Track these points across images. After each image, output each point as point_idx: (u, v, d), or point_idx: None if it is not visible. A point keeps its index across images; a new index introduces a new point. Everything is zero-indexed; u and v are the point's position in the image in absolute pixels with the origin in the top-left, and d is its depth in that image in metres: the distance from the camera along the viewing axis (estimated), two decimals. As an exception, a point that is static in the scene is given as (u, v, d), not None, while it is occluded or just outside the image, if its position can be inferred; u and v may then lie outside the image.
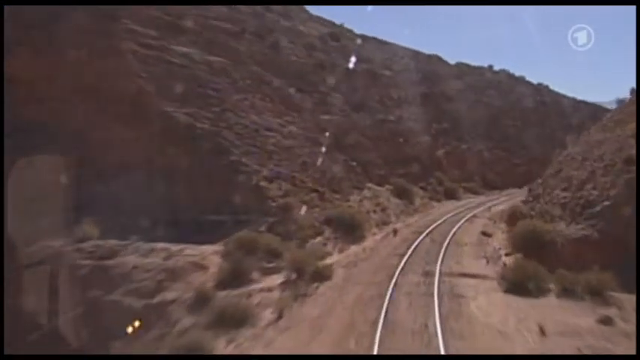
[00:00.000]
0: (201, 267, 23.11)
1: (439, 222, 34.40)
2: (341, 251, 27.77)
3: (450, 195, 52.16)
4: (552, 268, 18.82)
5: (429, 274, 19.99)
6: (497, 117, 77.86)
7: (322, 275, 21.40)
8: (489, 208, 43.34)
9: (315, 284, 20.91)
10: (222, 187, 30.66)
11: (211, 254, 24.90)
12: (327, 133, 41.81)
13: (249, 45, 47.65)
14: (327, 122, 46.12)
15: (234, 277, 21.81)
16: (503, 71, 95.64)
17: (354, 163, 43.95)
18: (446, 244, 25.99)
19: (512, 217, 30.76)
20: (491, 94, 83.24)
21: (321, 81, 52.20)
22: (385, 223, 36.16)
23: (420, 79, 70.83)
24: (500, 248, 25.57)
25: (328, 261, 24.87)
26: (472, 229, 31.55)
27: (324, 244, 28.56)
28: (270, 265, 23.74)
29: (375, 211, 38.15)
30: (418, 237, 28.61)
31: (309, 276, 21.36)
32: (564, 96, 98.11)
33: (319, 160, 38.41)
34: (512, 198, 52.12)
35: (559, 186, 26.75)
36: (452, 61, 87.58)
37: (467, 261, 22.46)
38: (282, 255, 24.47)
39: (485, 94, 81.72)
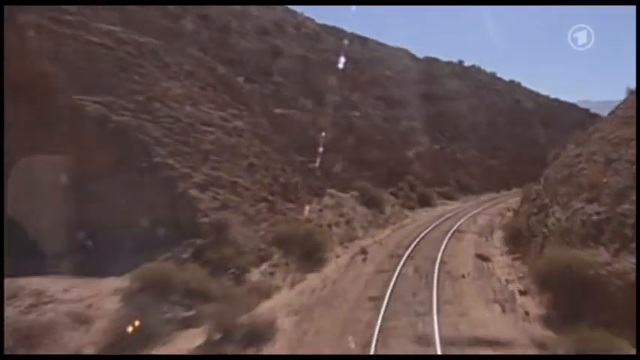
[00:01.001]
0: (84, 320, 15.72)
1: (418, 239, 27.68)
2: (293, 285, 20.73)
3: (424, 201, 45.70)
4: (605, 324, 12.24)
5: (426, 342, 13.05)
6: (469, 115, 72.16)
7: (260, 336, 14.26)
8: (473, 218, 37.01)
9: (250, 350, 13.82)
10: (140, 198, 23.26)
11: (109, 295, 17.61)
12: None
13: (194, 27, 40.30)
14: (281, 117, 39.08)
15: (129, 338, 14.55)
16: (473, 67, 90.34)
17: (314, 165, 36.97)
18: (436, 276, 19.10)
19: (514, 236, 24.33)
20: (464, 91, 77.58)
21: (277, 71, 45.16)
22: (351, 240, 29.32)
23: (390, 73, 64.71)
24: (509, 281, 18.95)
25: (272, 303, 17.86)
26: (462, 249, 24.89)
27: (272, 274, 21.47)
28: (189, 313, 16.56)
29: (338, 224, 31.25)
30: (396, 263, 21.73)
31: (240, 336, 14.23)
32: (538, 94, 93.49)
33: (270, 162, 31.62)
34: (494, 205, 46.15)
35: (578, 195, 20.29)
36: (420, 56, 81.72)
37: (474, 308, 15.55)
38: (208, 295, 17.39)
39: (456, 90, 75.94)
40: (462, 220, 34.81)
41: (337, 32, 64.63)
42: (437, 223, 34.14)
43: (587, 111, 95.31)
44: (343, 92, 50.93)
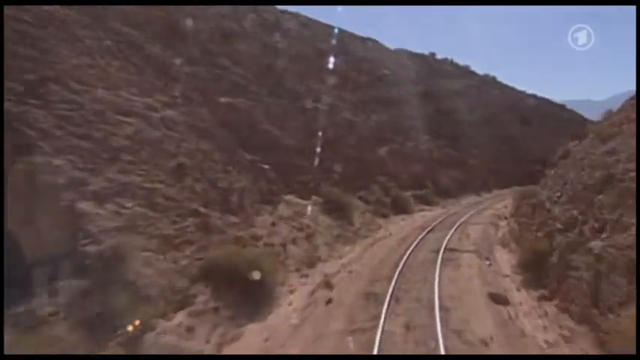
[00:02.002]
0: None
1: (400, 264, 20.84)
2: (221, 347, 13.71)
3: (400, 207, 39.13)
4: None
5: None
6: (444, 110, 66.11)
7: None
8: (462, 229, 30.52)
9: None
10: (13, 213, 15.90)
11: None
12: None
13: None
14: (228, 108, 31.90)
15: None
16: (446, 60, 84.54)
17: (267, 166, 29.95)
18: (442, 344, 12.21)
19: (533, 262, 17.82)
20: (437, 85, 71.55)
21: (228, 54, 37.92)
22: (312, 264, 22.47)
23: (358, 64, 58.04)
24: (552, 344, 12.33)
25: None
26: (465, 284, 18.02)
27: (190, 330, 14.36)
28: None
29: (296, 241, 24.32)
30: (375, 313, 14.76)
31: None
32: (513, 89, 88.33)
33: (208, 162, 24.79)
34: (480, 211, 39.92)
35: (632, 207, 13.88)
36: (391, 47, 75.35)
37: None
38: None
39: (430, 84, 69.79)
40: (450, 233, 28.24)
41: (298, 17, 57.80)
42: (419, 237, 27.50)
43: (563, 107, 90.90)
44: (306, 81, 44.02)
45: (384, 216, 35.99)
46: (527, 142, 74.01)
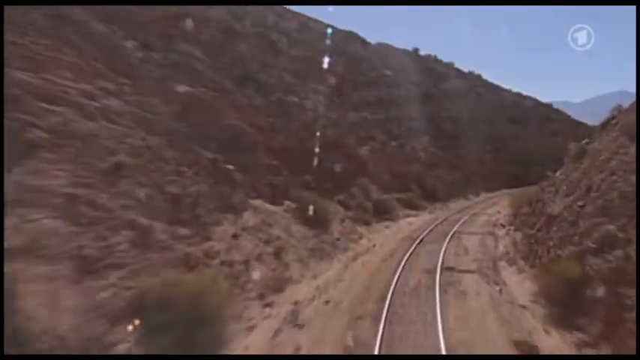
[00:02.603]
0: None
1: (389, 292, 16.76)
2: None
3: (383, 213, 35.19)
4: None
5: None
6: (429, 108, 62.49)
7: None
8: (456, 240, 26.66)
9: None
10: None
11: None
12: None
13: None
14: (185, 98, 27.54)
15: None
16: (429, 56, 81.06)
17: (231, 167, 25.68)
18: None
19: (561, 293, 13.96)
20: (421, 80, 67.94)
21: (188, 39, 33.53)
22: (279, 288, 18.30)
23: (335, 56, 53.96)
24: None
25: None
26: (476, 322, 14.00)
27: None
28: None
29: (261, 258, 20.13)
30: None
31: None
32: (499, 87, 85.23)
33: (157, 162, 20.55)
34: (472, 217, 36.22)
35: None
36: (372, 41, 71.49)
37: None
38: None
39: (415, 81, 66.14)
40: (443, 247, 24.36)
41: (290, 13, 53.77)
42: (408, 251, 23.54)
43: (550, 106, 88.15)
44: (278, 72, 39.87)
45: (366, 223, 31.98)
46: (516, 142, 70.85)
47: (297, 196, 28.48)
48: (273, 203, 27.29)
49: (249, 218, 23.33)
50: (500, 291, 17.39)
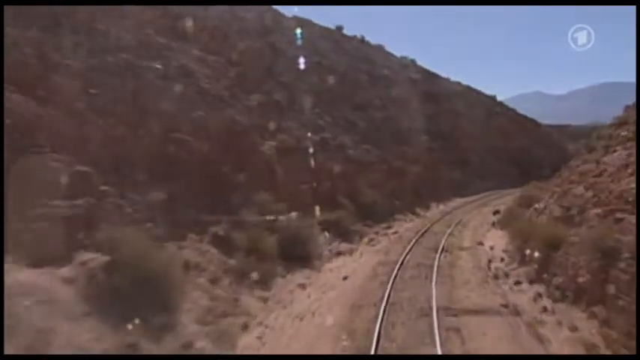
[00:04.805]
0: None
1: None
2: None
3: (296, 256, 20.09)
4: None
5: None
6: (355, 93, 48.32)
7: None
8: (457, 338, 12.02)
9: None
10: None
11: None
12: None
13: None
14: None
15: None
16: (355, 37, 67.36)
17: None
18: None
19: None
20: (343, 61, 53.75)
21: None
22: None
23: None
24: None
25: None
26: None
27: None
28: None
29: None
30: None
31: None
32: (437, 75, 72.94)
33: None
34: (452, 258, 21.82)
35: None
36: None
37: None
38: None
39: (330, 58, 51.40)
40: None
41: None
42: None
43: (493, 98, 77.32)
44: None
45: (263, 283, 16.87)
46: (464, 139, 58.48)
47: (105, 241, 13.03)
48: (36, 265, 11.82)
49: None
50: None
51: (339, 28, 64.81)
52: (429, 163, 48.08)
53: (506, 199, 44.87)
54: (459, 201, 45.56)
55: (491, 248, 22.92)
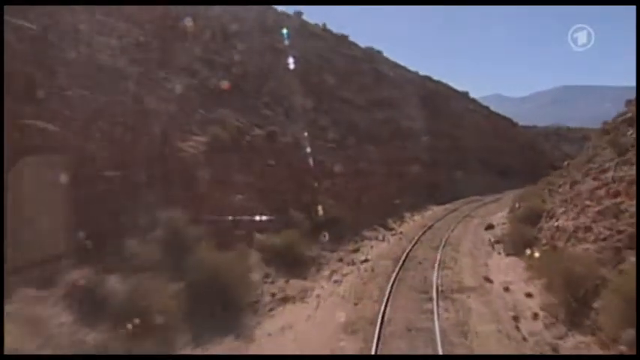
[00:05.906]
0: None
1: None
2: None
3: (223, 316, 12.81)
4: None
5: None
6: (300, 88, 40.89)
7: None
8: None
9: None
10: None
11: None
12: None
13: None
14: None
15: None
16: (317, 26, 60.26)
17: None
18: None
19: None
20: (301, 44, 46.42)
21: None
22: None
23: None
24: None
25: None
26: None
27: None
28: None
29: None
30: None
31: None
32: (407, 68, 66.72)
33: None
34: (454, 299, 14.86)
35: None
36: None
37: None
38: None
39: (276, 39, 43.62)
40: None
41: None
42: None
43: (466, 94, 71.65)
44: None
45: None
46: (433, 133, 52.03)
47: None
48: None
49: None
50: None
51: (298, 14, 57.76)
52: (397, 164, 41.32)
53: (491, 207, 38.56)
54: (436, 209, 38.82)
55: (506, 289, 16.01)
